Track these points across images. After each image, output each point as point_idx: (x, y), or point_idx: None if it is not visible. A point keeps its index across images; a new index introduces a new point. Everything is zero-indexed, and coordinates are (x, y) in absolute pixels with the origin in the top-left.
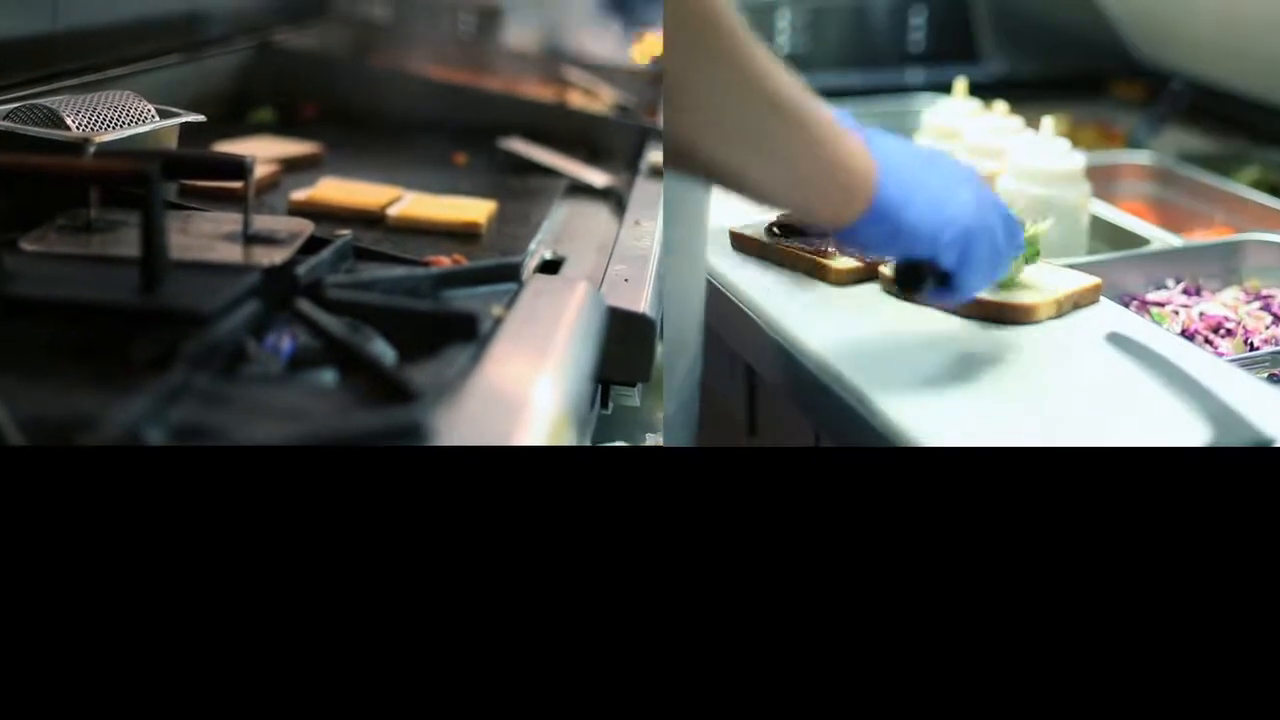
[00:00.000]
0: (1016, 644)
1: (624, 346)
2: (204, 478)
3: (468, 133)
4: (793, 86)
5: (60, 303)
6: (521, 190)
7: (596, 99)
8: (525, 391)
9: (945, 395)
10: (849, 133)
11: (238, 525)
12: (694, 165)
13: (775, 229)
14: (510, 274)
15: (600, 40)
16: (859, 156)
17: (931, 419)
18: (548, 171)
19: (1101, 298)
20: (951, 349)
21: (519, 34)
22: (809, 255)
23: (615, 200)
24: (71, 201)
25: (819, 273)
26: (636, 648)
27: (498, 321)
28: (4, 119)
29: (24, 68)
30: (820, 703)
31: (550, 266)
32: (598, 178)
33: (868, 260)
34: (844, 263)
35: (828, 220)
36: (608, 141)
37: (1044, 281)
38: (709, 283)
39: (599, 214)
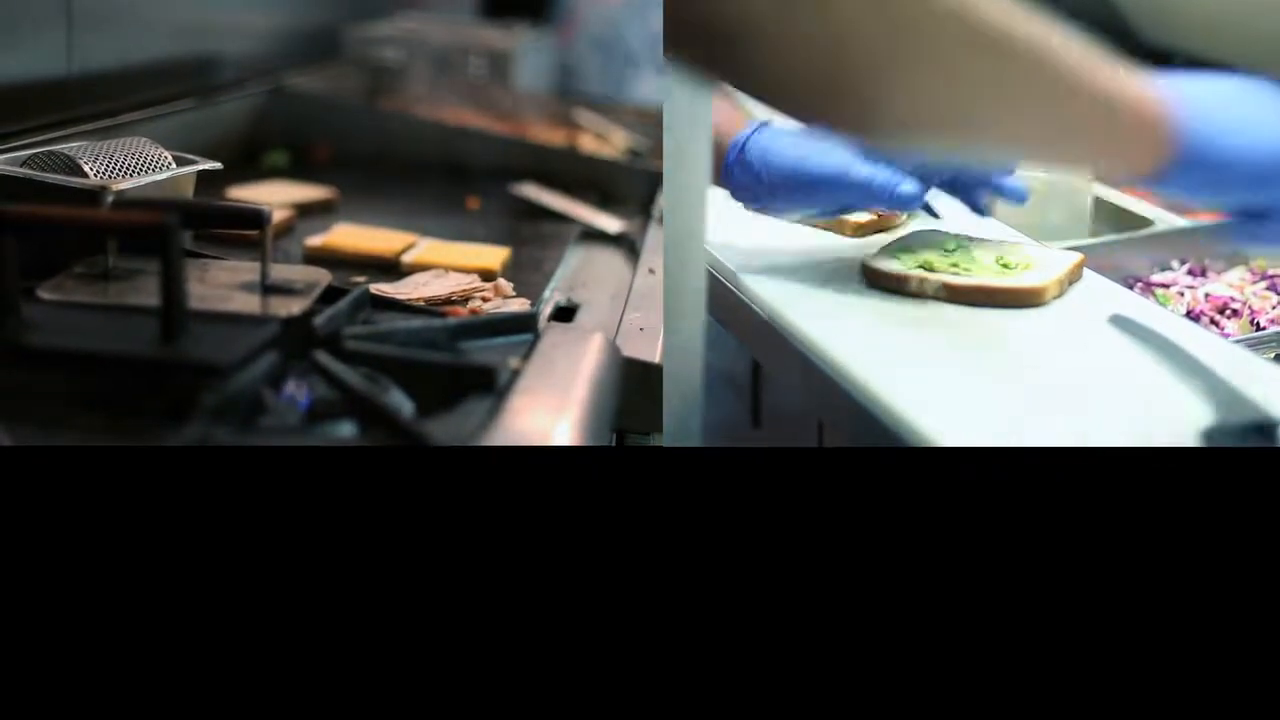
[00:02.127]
0: (1024, 645)
1: (639, 397)
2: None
3: (480, 177)
4: (1028, 25)
5: (78, 353)
6: (534, 236)
7: (607, 143)
8: (543, 443)
9: (951, 385)
10: (1121, 72)
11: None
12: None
13: None
14: (527, 324)
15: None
16: (1140, 95)
17: (938, 409)
18: (560, 217)
19: (1101, 278)
20: (956, 336)
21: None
22: None
23: (628, 246)
24: (89, 249)
25: (834, 227)
26: (636, 649)
27: (515, 374)
28: (22, 165)
29: (39, 112)
30: (820, 703)
31: (564, 314)
32: (610, 224)
33: (880, 213)
34: (859, 216)
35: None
36: (620, 187)
37: (1036, 261)
38: (713, 276)
39: (612, 260)
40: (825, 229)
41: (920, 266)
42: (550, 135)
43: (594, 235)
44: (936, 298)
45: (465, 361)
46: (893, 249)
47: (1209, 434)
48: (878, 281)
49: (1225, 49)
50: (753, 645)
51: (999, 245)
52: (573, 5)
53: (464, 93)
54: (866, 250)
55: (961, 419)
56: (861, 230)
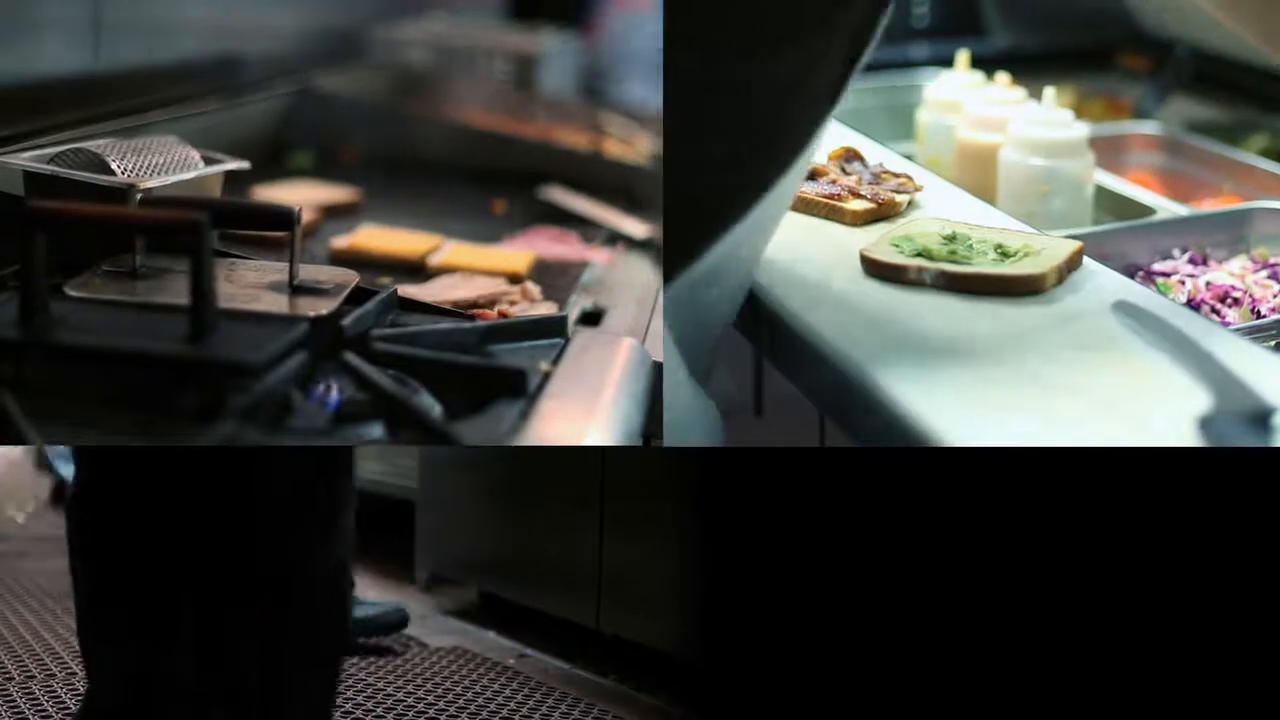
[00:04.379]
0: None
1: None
2: None
3: (505, 180)
4: None
5: (107, 351)
6: (561, 239)
7: (633, 147)
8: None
9: (950, 374)
10: None
11: None
12: None
13: None
14: (557, 328)
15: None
16: None
17: (936, 398)
18: (586, 221)
19: (1100, 265)
20: (958, 327)
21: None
22: (825, 200)
23: (655, 251)
24: (115, 247)
25: (835, 216)
26: None
27: (545, 377)
28: (49, 162)
29: (65, 110)
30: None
31: (590, 318)
32: (637, 228)
33: (880, 201)
34: (858, 205)
35: None
36: (646, 190)
37: (1035, 249)
38: None
39: (639, 265)
40: (825, 218)
41: (919, 255)
42: (576, 139)
43: (620, 239)
44: (935, 286)
45: (495, 364)
46: (891, 238)
47: (1206, 421)
48: (876, 271)
49: (1230, 38)
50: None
51: (997, 233)
52: (598, 9)
53: (490, 96)
54: (866, 239)
55: (959, 408)
56: (861, 219)
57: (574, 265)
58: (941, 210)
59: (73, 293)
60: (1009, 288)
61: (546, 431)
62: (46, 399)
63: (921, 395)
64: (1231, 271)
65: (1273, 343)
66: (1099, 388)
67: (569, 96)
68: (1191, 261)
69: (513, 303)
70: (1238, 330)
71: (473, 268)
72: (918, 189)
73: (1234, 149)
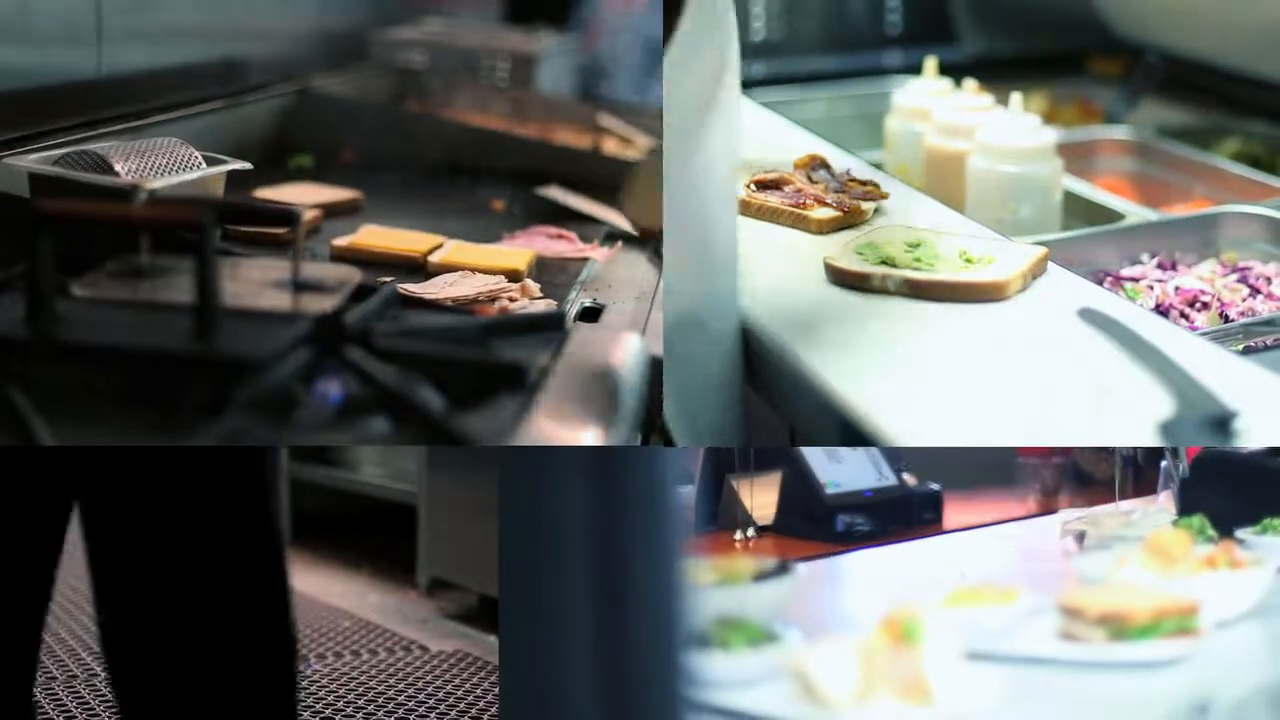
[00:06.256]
0: None
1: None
2: None
3: (505, 179)
4: None
5: (115, 349)
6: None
7: (631, 146)
8: (574, 440)
9: (914, 382)
10: None
11: None
12: None
13: (753, 185)
14: (556, 323)
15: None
16: None
17: (900, 407)
18: (585, 218)
19: (1065, 271)
20: (921, 333)
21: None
22: (790, 209)
23: (653, 248)
24: (121, 247)
25: (800, 224)
26: None
27: (544, 371)
28: (54, 165)
29: (69, 114)
30: None
31: (590, 314)
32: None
33: (846, 209)
34: (824, 213)
35: None
36: None
37: (999, 255)
38: None
39: (637, 262)
40: (790, 226)
41: (883, 263)
42: (574, 138)
43: (619, 236)
44: (899, 293)
45: (496, 358)
46: (855, 246)
47: (1168, 425)
48: (840, 279)
49: (1202, 43)
50: None
51: (961, 240)
52: (595, 9)
53: (488, 96)
54: (831, 247)
55: (923, 416)
56: (826, 227)
57: (573, 262)
58: (908, 217)
59: (79, 292)
60: (972, 294)
61: (546, 425)
62: (54, 397)
63: (884, 402)
64: (1200, 276)
65: (1240, 346)
66: (1061, 393)
67: (567, 97)
68: (1160, 266)
69: (512, 300)
70: (1205, 335)
71: (473, 266)
72: (884, 196)
73: (1205, 153)
